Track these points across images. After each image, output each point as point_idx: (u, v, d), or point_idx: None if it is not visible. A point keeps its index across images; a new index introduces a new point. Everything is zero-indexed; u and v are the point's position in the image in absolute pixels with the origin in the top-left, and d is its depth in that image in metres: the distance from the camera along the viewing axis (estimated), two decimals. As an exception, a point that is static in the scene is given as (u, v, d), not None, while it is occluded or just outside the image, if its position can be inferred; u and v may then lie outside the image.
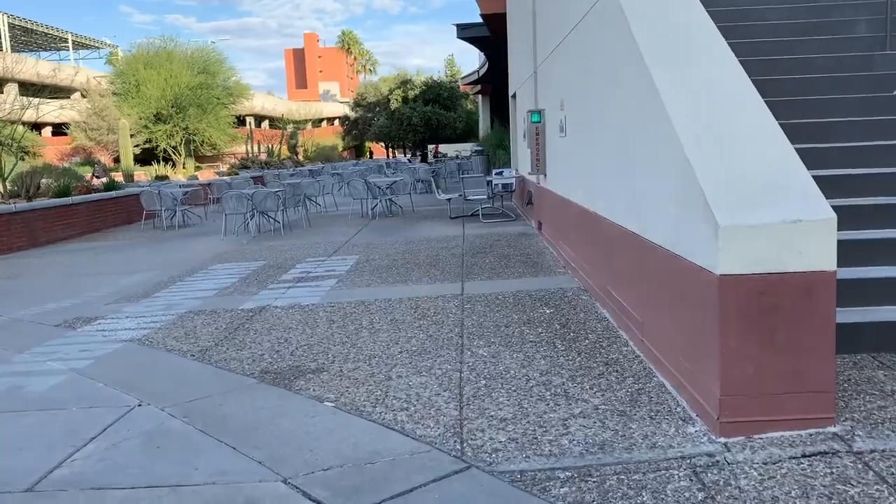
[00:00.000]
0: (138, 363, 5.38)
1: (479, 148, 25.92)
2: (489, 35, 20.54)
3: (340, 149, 62.76)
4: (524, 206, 12.50)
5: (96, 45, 71.84)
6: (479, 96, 44.79)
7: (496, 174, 14.63)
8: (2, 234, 12.55)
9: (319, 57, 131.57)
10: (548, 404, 3.91)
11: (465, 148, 47.61)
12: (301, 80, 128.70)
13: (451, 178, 22.39)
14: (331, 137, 65.76)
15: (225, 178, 23.94)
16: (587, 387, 4.15)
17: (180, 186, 18.30)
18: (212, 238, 13.56)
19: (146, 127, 30.71)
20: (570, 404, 3.89)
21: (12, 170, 15.03)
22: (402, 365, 4.82)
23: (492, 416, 3.80)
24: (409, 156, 56.00)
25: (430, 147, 49.51)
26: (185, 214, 16.21)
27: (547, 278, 7.64)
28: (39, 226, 13.62)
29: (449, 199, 14.43)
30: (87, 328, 6.63)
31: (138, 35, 75.84)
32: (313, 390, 4.44)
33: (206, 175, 26.18)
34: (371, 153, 70.64)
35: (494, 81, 33.71)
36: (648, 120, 4.40)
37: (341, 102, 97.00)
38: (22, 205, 13.32)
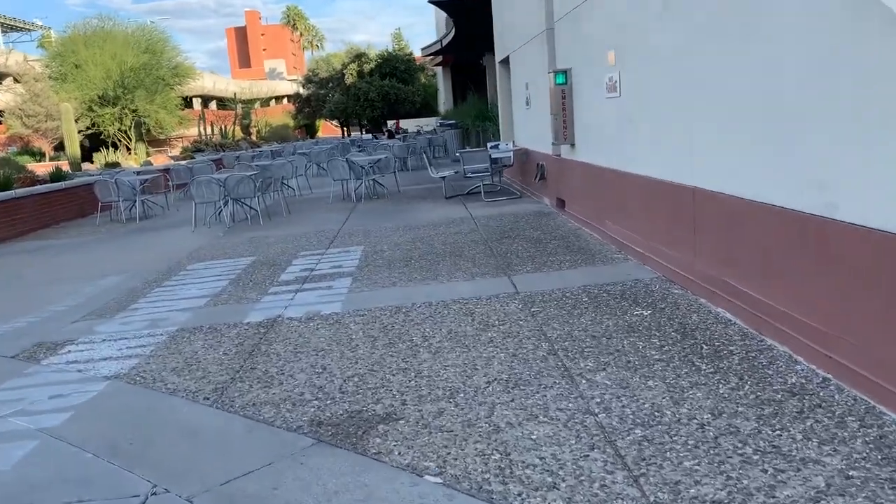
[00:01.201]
0: (135, 415, 4.02)
1: (452, 121, 24.53)
2: (463, -1, 19.13)
3: (292, 127, 60.50)
4: (534, 182, 11.28)
5: (27, 27, 67.63)
6: (440, 68, 43.25)
7: (491, 148, 13.35)
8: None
9: (262, 35, 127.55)
10: (765, 470, 2.73)
11: (428, 122, 46.14)
12: (244, 59, 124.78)
13: (434, 155, 20.95)
14: (281, 116, 63.32)
15: (182, 162, 22.15)
16: (799, 437, 2.97)
17: (136, 174, 16.56)
18: (181, 230, 12.02)
19: (91, 110, 28.38)
20: (800, 469, 2.71)
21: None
22: (502, 404, 3.58)
23: (696, 498, 2.60)
24: (367, 133, 54.13)
25: (391, 123, 47.77)
26: (146, 205, 14.57)
27: (608, 267, 6.46)
28: (-21, 225, 11.89)
29: (444, 178, 13.13)
30: (55, 359, 5.21)
31: (70, 17, 71.69)
32: (399, 453, 3.18)
33: (160, 160, 24.27)
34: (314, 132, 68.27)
35: (462, 50, 32.27)
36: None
37: (289, 80, 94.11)
38: (-43, 202, 11.58)
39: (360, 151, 28.45)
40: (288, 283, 7.11)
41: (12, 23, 65.04)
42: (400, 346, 4.72)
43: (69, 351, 5.40)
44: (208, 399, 4.08)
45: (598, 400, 3.49)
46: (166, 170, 18.93)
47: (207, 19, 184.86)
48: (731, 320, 4.52)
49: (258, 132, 44.42)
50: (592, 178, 8.01)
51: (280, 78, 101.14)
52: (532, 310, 5.26)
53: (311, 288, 6.81)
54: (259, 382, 4.27)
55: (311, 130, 69.45)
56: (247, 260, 8.66)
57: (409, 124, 49.08)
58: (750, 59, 4.16)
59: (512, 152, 13.05)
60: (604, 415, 3.33)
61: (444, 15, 42.23)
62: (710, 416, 3.21)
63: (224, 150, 29.94)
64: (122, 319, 6.27)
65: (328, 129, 77.23)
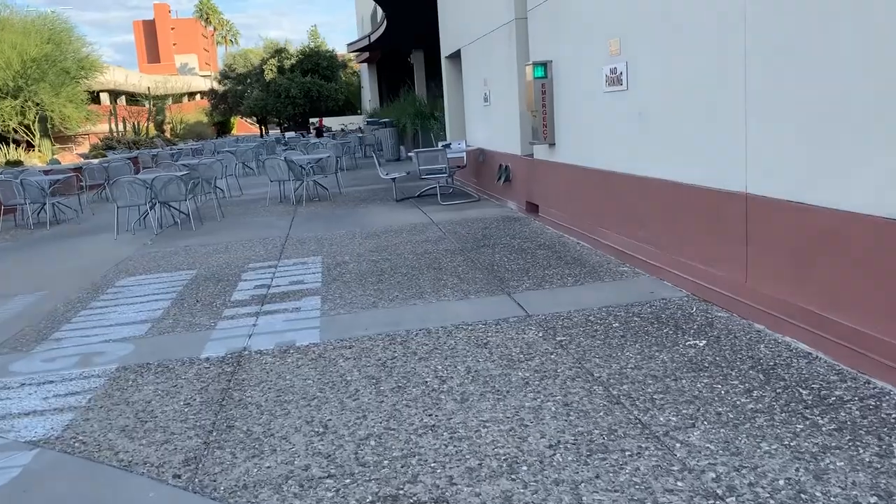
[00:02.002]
0: (79, 505, 2.98)
1: (385, 120, 23.54)
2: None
3: (207, 124, 57.84)
4: (496, 184, 10.52)
5: None
6: (365, 65, 42.11)
7: (443, 147, 12.52)
8: None
9: (173, 29, 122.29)
10: None
11: (352, 121, 44.93)
12: (153, 53, 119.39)
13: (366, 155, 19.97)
14: (195, 113, 60.49)
15: (94, 161, 20.34)
16: None
17: (44, 173, 14.88)
18: (101, 238, 10.65)
19: (-13, 102, 25.83)
20: None
21: None
22: (586, 482, 2.75)
23: None
24: (286, 131, 52.20)
25: (313, 120, 46.23)
26: (57, 208, 13.00)
27: (620, 283, 5.73)
28: None
29: (394, 179, 12.20)
30: (-42, 415, 4.05)
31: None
32: (475, 567, 2.30)
33: (68, 158, 22.25)
34: (228, 130, 65.66)
35: (390, 46, 31.32)
36: None
37: (202, 76, 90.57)
38: None
39: (288, 150, 27.16)
40: (244, 304, 6.07)
41: None
42: (413, 390, 3.83)
43: (-23, 402, 4.24)
44: (179, 478, 3.08)
45: (713, 475, 2.71)
46: (78, 169, 17.23)
47: (112, 12, 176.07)
48: (812, 354, 3.84)
49: (172, 129, 42.06)
50: (580, 181, 7.29)
51: (192, 73, 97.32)
52: (558, 339, 4.45)
53: (275, 310, 5.80)
54: (243, 449, 3.30)
55: (225, 128, 66.78)
56: (187, 274, 7.52)
57: (332, 122, 47.76)
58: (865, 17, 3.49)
59: (465, 152, 12.28)
60: (733, 499, 2.54)
61: (367, 11, 41.20)
62: (875, 498, 2.48)
63: (138, 148, 27.95)
64: (45, 354, 5.11)
65: (243, 127, 74.62)
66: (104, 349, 5.10)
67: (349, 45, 37.74)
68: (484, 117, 11.48)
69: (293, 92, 47.15)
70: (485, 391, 3.72)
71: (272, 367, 4.42)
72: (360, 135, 26.71)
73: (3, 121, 25.61)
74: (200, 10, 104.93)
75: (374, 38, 31.41)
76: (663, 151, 5.43)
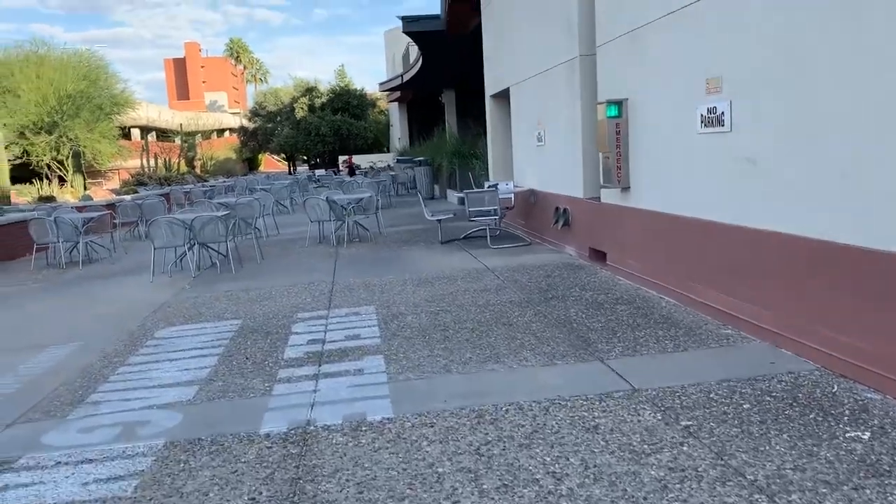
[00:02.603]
0: None
1: (420, 158, 23.14)
2: (443, 29, 17.87)
3: (236, 161, 58.10)
4: (551, 228, 9.91)
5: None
6: (395, 104, 42.06)
7: (490, 188, 11.97)
8: None
9: (202, 67, 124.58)
10: None
11: (382, 159, 44.76)
12: (183, 90, 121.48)
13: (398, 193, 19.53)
14: (223, 149, 60.92)
15: (126, 198, 20.08)
16: None
17: (75, 209, 14.54)
18: (137, 280, 10.16)
19: (24, 137, 25.78)
20: None
21: None
22: None
23: None
24: (313, 168, 52.11)
25: (343, 158, 46.12)
26: (90, 247, 12.58)
27: (730, 350, 5.04)
28: None
29: (440, 221, 11.64)
30: (-16, 504, 3.46)
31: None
32: None
33: (100, 194, 22.07)
34: (256, 166, 66.00)
35: (422, 86, 31.15)
36: None
37: (232, 113, 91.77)
38: None
39: (320, 187, 26.89)
40: (299, 363, 5.46)
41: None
42: (524, 492, 3.17)
43: (5, 483, 3.64)
44: None
45: None
46: (111, 206, 16.91)
47: (144, 50, 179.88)
48: None
49: (203, 165, 42.13)
50: (664, 229, 6.65)
51: (221, 111, 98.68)
52: (682, 423, 3.78)
53: (335, 372, 5.18)
54: (332, 572, 2.65)
55: (253, 164, 67.16)
56: (231, 325, 6.94)
57: (360, 160, 47.61)
58: None
59: (513, 193, 11.69)
60: None
61: (398, 51, 41.29)
62: None
63: (170, 184, 27.81)
64: (82, 422, 4.52)
65: (271, 164, 75.15)
66: (148, 417, 4.50)
67: (381, 84, 37.73)
68: (537, 158, 10.92)
69: (323, 130, 47.23)
70: (615, 497, 3.05)
71: (345, 449, 3.78)
72: (392, 173, 26.32)
73: (38, 156, 25.60)
74: (231, 48, 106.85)
75: (406, 77, 31.28)
76: (783, 202, 4.78)
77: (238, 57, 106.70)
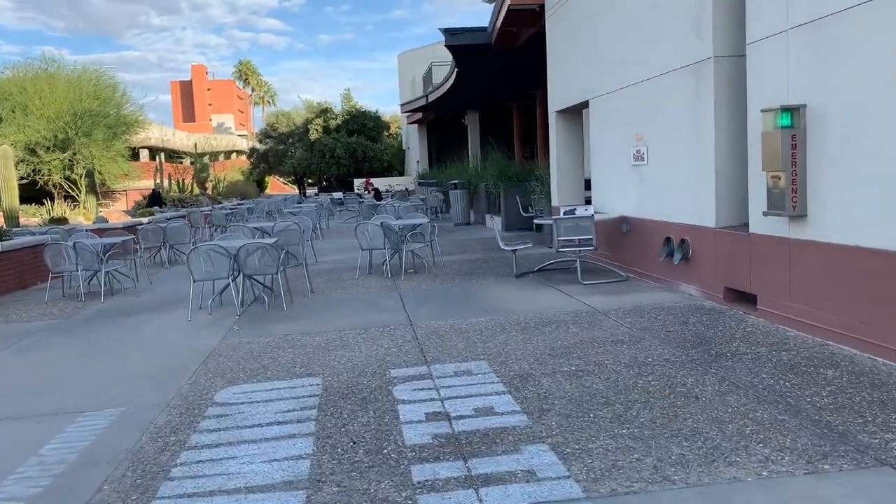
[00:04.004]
0: None
1: (456, 181, 21.72)
2: (488, 42, 16.56)
3: (244, 182, 56.72)
4: (661, 261, 8.43)
5: (-42, 68, 62.65)
6: (414, 126, 40.84)
7: (566, 213, 10.48)
8: None
9: (209, 90, 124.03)
10: None
11: (400, 182, 43.42)
12: (189, 113, 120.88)
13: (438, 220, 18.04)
14: (231, 171, 59.68)
15: (143, 220, 18.64)
16: None
17: (91, 233, 13.07)
18: (172, 318, 8.66)
19: (34, 154, 24.36)
20: None
21: None
22: None
23: None
24: (321, 191, 50.61)
25: (360, 181, 44.73)
26: (112, 276, 11.08)
27: None
28: None
29: (514, 251, 10.17)
30: None
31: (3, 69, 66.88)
32: None
33: (114, 216, 20.65)
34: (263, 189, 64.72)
35: (450, 105, 29.87)
36: None
37: (239, 135, 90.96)
38: None
39: (342, 210, 25.47)
40: (433, 455, 3.95)
41: (-58, 63, 60.11)
42: None
43: None
44: None
45: None
46: (128, 228, 15.46)
47: (150, 73, 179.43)
48: None
49: (214, 187, 40.75)
50: (872, 271, 5.15)
51: (228, 132, 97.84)
52: None
53: (494, 474, 3.67)
54: None
55: (261, 187, 65.89)
56: (311, 385, 5.44)
57: (377, 183, 46.30)
58: None
59: (592, 221, 10.16)
60: None
61: (419, 72, 40.19)
62: None
63: (185, 206, 26.40)
64: (147, 562, 2.99)
65: (276, 187, 73.95)
66: (251, 557, 2.98)
67: (403, 104, 36.51)
68: (632, 179, 9.47)
69: (338, 152, 46.01)
70: None
71: None
72: (422, 197, 24.88)
73: (49, 174, 24.18)
74: (240, 70, 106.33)
75: (432, 97, 30.03)
76: None
77: (247, 79, 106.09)
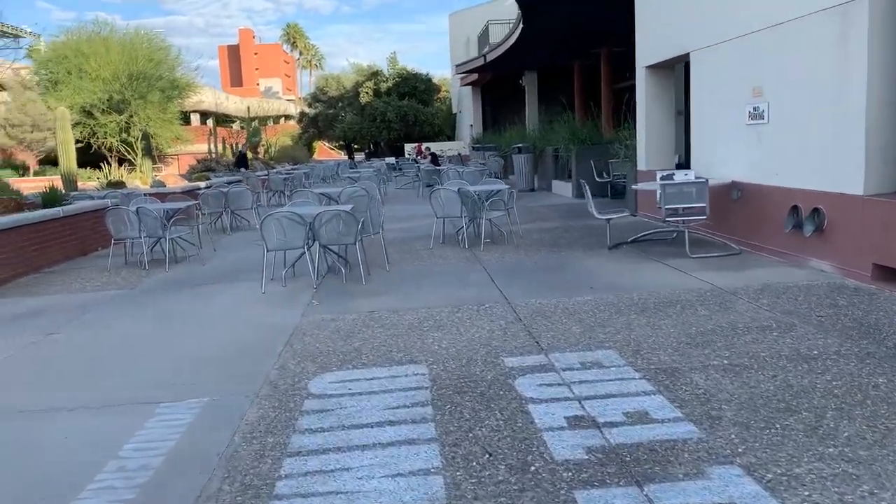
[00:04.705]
0: None
1: (520, 145, 20.71)
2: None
3: (294, 147, 56.31)
4: (777, 232, 7.46)
5: (15, 32, 63.16)
6: (469, 88, 39.70)
7: (663, 179, 9.51)
8: None
9: (256, 54, 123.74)
10: None
11: (451, 147, 42.45)
12: (236, 77, 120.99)
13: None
14: (280, 136, 59.29)
15: (201, 184, 18.18)
16: None
17: (153, 197, 12.57)
18: (243, 289, 8.05)
19: (91, 116, 24.08)
20: None
21: None
22: None
23: None
24: (363, 156, 49.78)
25: (410, 146, 43.84)
26: (175, 243, 10.52)
27: None
28: (-64, 273, 7.85)
29: (609, 220, 9.28)
30: None
31: (58, 36, 67.12)
32: None
33: (171, 180, 20.27)
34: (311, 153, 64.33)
35: (509, 65, 28.66)
36: None
37: (287, 100, 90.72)
38: None
39: (398, 175, 24.73)
40: (597, 478, 3.20)
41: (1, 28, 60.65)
42: None
43: None
44: None
45: None
46: (187, 192, 14.97)
47: (196, 38, 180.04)
48: None
49: (266, 151, 40.34)
50: None
51: (276, 97, 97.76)
52: None
53: (689, 506, 2.87)
54: None
55: (309, 152, 65.52)
56: (415, 375, 4.72)
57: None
58: None
59: (706, 187, 9.16)
60: None
61: (473, 32, 38.93)
62: None
63: (240, 170, 25.98)
64: None
65: (323, 152, 73.63)
66: None
67: (457, 65, 35.38)
68: (746, 140, 8.46)
69: (389, 116, 45.12)
70: None
71: None
72: (482, 162, 23.95)
73: (105, 137, 23.89)
74: (287, 34, 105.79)
75: (491, 56, 28.88)
76: None
77: (294, 42, 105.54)
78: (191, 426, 4.09)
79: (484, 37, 34.18)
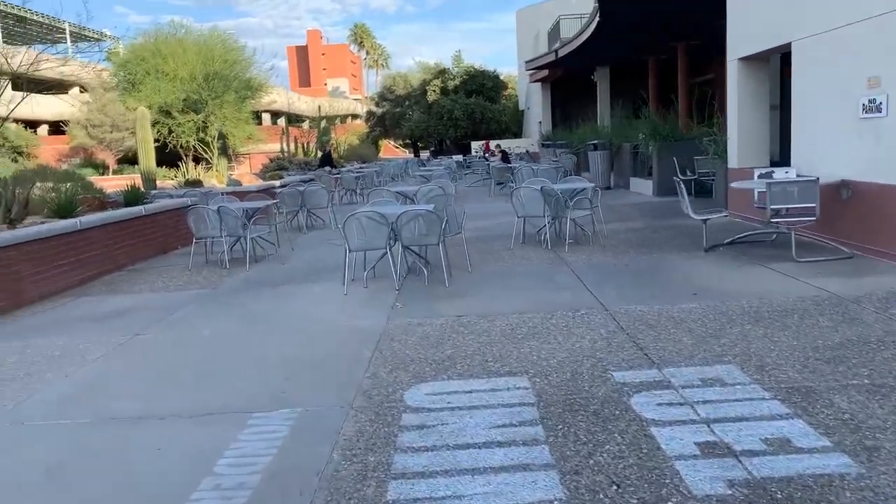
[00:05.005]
0: None
1: (595, 141, 20.12)
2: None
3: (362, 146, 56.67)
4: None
5: (96, 36, 65.52)
6: (538, 85, 39.11)
7: (761, 177, 8.93)
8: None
9: (323, 54, 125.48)
10: None
11: (519, 144, 41.95)
12: (304, 77, 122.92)
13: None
14: (346, 135, 59.74)
15: (275, 182, 18.26)
16: None
17: (231, 196, 12.60)
18: (324, 290, 7.88)
19: (169, 116, 24.61)
20: None
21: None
22: None
23: None
24: (429, 154, 49.49)
25: (477, 144, 43.48)
26: (255, 242, 10.46)
27: None
28: (26, 271, 7.94)
29: (705, 221, 8.74)
30: None
31: (136, 38, 69.23)
32: None
33: (246, 179, 20.51)
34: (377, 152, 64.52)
35: (581, 60, 27.99)
36: None
37: (354, 99, 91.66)
38: (-4, 236, 7.63)
39: (468, 173, 24.44)
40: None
41: (82, 32, 63.09)
42: None
43: None
44: None
45: None
46: (262, 191, 15.02)
47: (266, 39, 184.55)
48: None
49: (335, 150, 40.65)
50: None
51: (343, 96, 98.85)
52: None
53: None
54: None
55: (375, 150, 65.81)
56: (517, 388, 4.40)
57: (494, 145, 44.96)
58: None
59: (817, 186, 8.49)
60: None
61: (544, 27, 38.31)
62: None
63: (311, 169, 26.15)
64: None
65: (388, 150, 74.04)
66: None
67: (527, 62, 34.83)
68: (860, 135, 7.81)
69: (456, 113, 44.89)
70: None
71: None
72: (555, 159, 23.42)
73: (183, 136, 24.38)
74: (354, 33, 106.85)
75: (563, 52, 28.27)
76: None
77: (361, 42, 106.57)
78: (286, 440, 3.86)
79: (555, 32, 33.56)
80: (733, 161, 11.37)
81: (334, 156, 30.43)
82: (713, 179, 13.21)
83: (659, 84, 25.55)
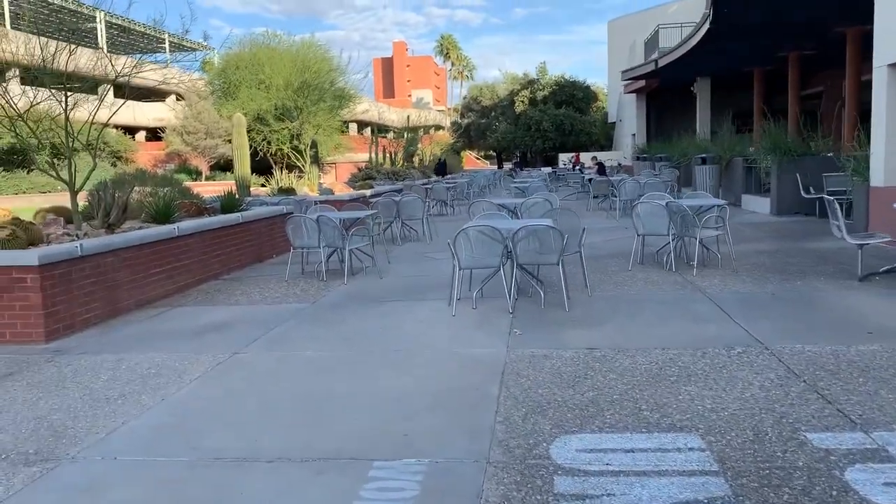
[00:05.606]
0: None
1: (704, 155, 18.88)
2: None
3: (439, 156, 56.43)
4: None
5: (193, 46, 67.84)
6: (632, 96, 37.77)
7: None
8: (51, 300, 6.53)
9: (408, 66, 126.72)
10: None
11: (611, 157, 40.68)
12: (389, 89, 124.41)
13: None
14: (434, 146, 59.58)
15: (366, 192, 17.88)
16: None
17: (328, 205, 12.17)
18: (431, 309, 7.24)
19: (264, 123, 24.78)
20: None
21: (88, 176, 9.08)
22: None
23: None
24: (519, 166, 48.60)
25: (565, 156, 42.44)
26: (354, 254, 9.92)
27: None
28: (122, 278, 7.61)
29: (861, 246, 7.66)
30: None
31: (231, 48, 71.09)
32: None
33: (338, 188, 20.28)
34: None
35: (681, 70, 26.67)
36: None
37: (438, 110, 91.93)
38: (95, 242, 7.31)
39: (562, 186, 23.48)
40: None
41: (180, 42, 65.38)
42: None
43: None
44: None
45: None
46: (354, 200, 14.60)
47: (352, 51, 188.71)
48: None
49: (421, 161, 40.44)
50: None
51: (427, 108, 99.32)
52: None
53: None
54: None
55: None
56: (687, 447, 3.61)
57: (584, 158, 43.83)
58: None
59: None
60: None
61: (624, 43, 37.05)
62: None
63: (400, 179, 25.82)
64: None
65: (470, 162, 73.67)
66: None
67: (624, 71, 33.66)
68: None
69: (545, 125, 43.99)
70: None
71: None
72: (655, 173, 22.26)
73: (277, 144, 24.46)
74: (441, 45, 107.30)
75: (664, 62, 27.02)
76: None
77: (447, 53, 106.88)
78: (418, 501, 3.18)
79: (652, 42, 32.27)
80: (878, 178, 10.16)
81: (415, 166, 30.12)
82: (847, 199, 11.95)
83: (766, 95, 24.09)
